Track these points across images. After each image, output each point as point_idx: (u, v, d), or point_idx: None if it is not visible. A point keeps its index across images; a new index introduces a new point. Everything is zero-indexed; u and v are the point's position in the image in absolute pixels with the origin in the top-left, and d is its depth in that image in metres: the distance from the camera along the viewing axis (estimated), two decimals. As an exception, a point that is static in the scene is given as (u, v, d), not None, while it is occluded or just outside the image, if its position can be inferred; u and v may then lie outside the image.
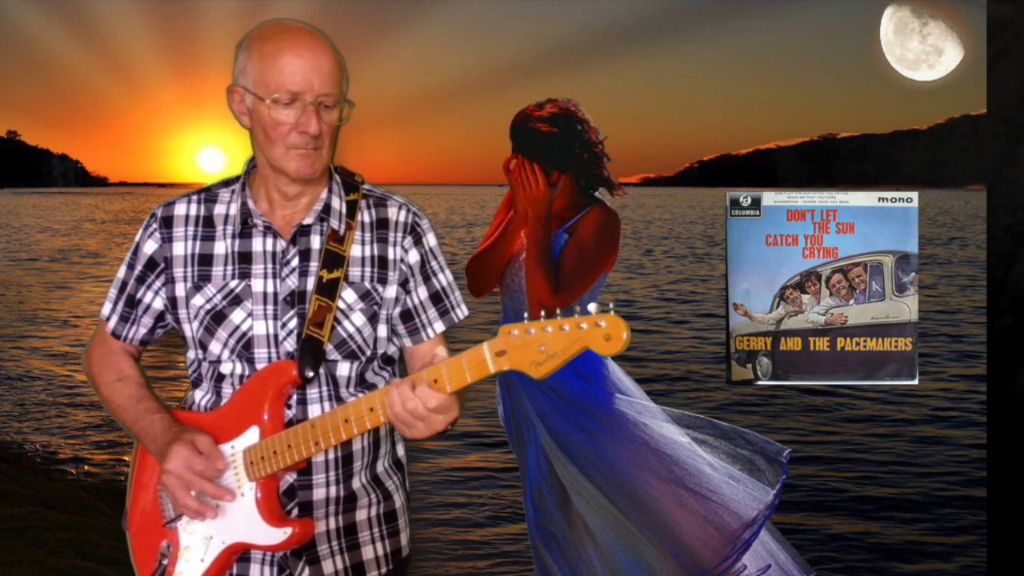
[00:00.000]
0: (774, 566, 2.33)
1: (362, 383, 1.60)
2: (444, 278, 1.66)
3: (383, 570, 1.64)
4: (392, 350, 1.65)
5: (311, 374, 1.52)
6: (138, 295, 1.62)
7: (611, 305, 1.26)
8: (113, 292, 1.65)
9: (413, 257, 1.62)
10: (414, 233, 1.63)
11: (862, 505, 5.12)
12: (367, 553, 1.62)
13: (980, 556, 4.38)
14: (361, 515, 1.62)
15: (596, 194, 2.58)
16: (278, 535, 1.50)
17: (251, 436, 1.52)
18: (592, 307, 1.25)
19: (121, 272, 1.64)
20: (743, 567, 2.25)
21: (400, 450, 1.71)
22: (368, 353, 1.59)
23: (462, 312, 1.68)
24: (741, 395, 7.46)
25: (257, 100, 1.50)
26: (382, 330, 1.60)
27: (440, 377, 1.37)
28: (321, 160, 1.54)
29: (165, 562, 1.58)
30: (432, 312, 1.64)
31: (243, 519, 1.51)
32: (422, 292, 1.63)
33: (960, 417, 6.99)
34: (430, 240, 1.65)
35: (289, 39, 1.50)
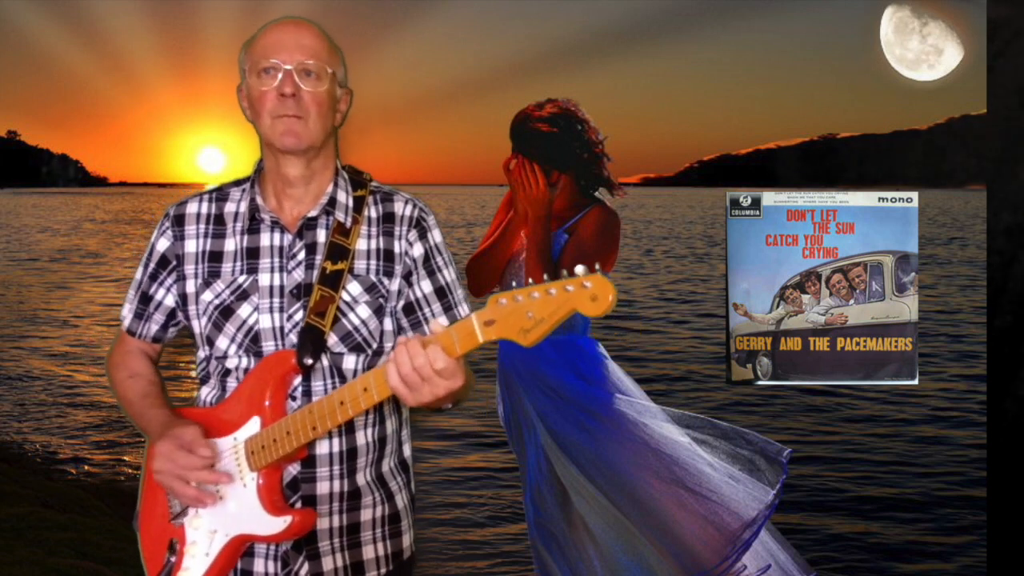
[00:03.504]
0: (774, 566, 2.33)
1: None
2: (448, 275, 1.67)
3: (383, 571, 1.64)
4: None
5: (310, 361, 1.52)
6: (151, 292, 1.66)
7: (597, 266, 1.25)
8: (131, 292, 1.69)
9: (417, 250, 1.63)
10: (419, 227, 1.64)
11: (862, 505, 5.13)
12: (368, 553, 1.62)
13: (980, 556, 4.38)
14: (365, 515, 1.62)
15: (596, 194, 2.58)
16: (278, 524, 1.50)
17: (253, 426, 1.52)
18: (579, 269, 1.25)
19: (138, 272, 1.68)
20: (743, 567, 2.25)
21: (406, 451, 1.71)
22: (375, 346, 1.60)
23: (464, 310, 1.68)
24: (741, 395, 7.46)
25: (248, 83, 1.57)
26: (388, 323, 1.61)
27: (437, 342, 1.36)
28: (307, 131, 1.55)
29: (173, 559, 1.58)
30: (436, 306, 1.65)
31: (245, 510, 1.52)
32: (426, 286, 1.64)
33: (960, 417, 6.99)
34: (435, 236, 1.66)
35: (276, 22, 1.59)
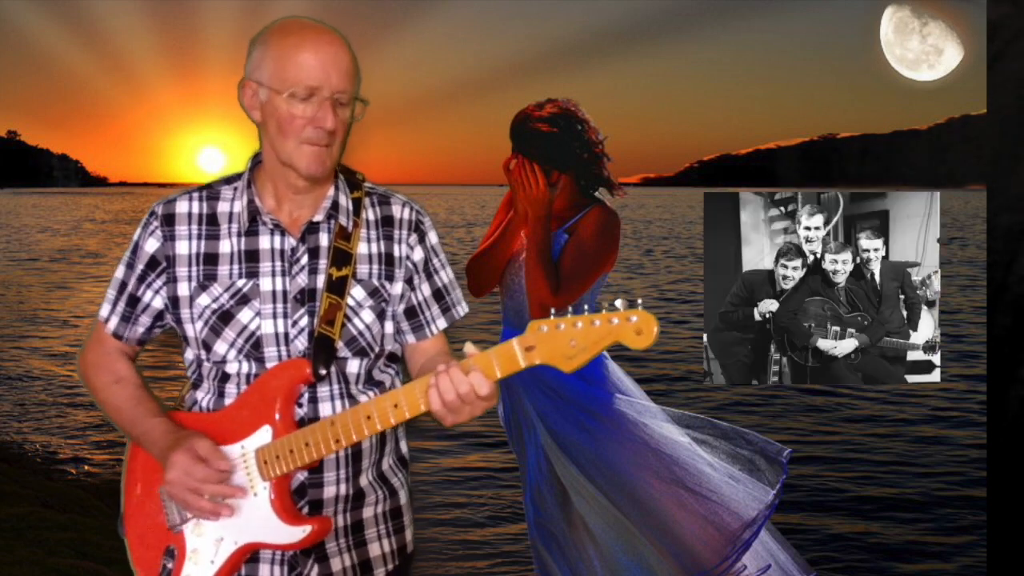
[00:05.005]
0: (774, 566, 2.33)
1: (370, 380, 1.60)
2: (446, 275, 1.68)
3: (389, 567, 1.64)
4: (396, 348, 1.66)
5: (324, 372, 1.52)
6: (138, 294, 1.61)
7: (640, 301, 1.29)
8: (112, 293, 1.63)
9: (418, 255, 1.63)
10: (418, 231, 1.64)
11: (862, 505, 5.12)
12: (374, 550, 1.62)
13: (980, 556, 4.38)
14: (368, 512, 1.62)
15: (596, 194, 2.58)
16: (296, 534, 1.49)
17: (263, 435, 1.50)
18: (619, 303, 1.29)
19: (120, 272, 1.62)
20: (743, 567, 2.25)
21: (404, 447, 1.71)
22: (376, 350, 1.60)
23: (462, 309, 1.70)
24: (741, 395, 7.46)
25: (273, 93, 1.50)
26: (388, 327, 1.61)
27: (477, 367, 1.38)
28: (332, 158, 1.54)
29: (170, 566, 1.56)
30: (435, 309, 1.66)
31: (258, 519, 1.50)
32: (425, 289, 1.65)
33: (960, 417, 6.99)
34: (432, 238, 1.67)
35: (310, 35, 1.50)
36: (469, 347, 1.39)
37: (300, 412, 1.53)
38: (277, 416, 1.50)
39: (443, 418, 1.41)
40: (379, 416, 1.44)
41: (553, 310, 1.34)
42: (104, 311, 1.64)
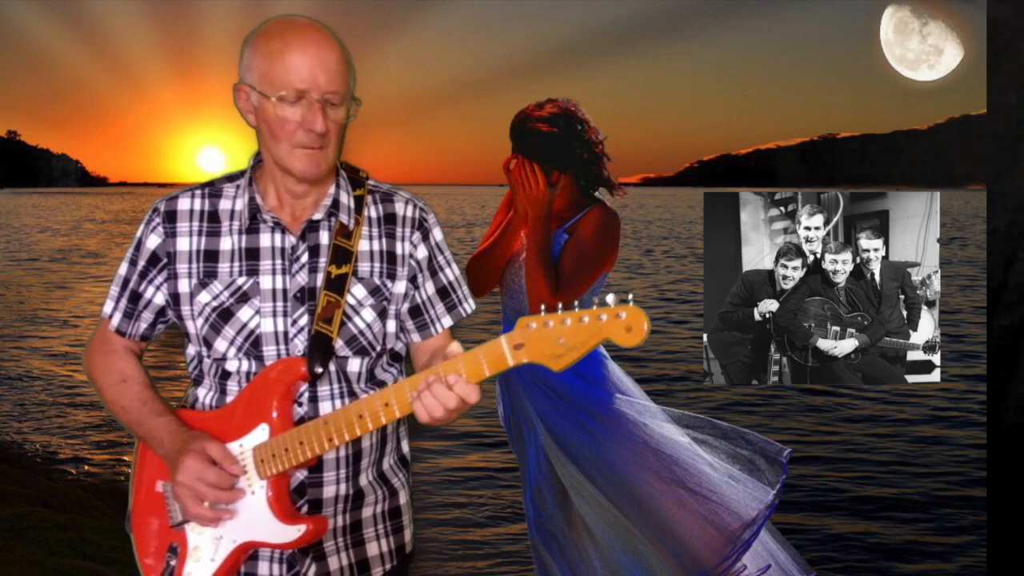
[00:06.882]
0: (774, 566, 2.33)
1: (372, 379, 1.60)
2: (451, 272, 1.66)
3: (387, 566, 1.65)
4: (399, 346, 1.65)
5: (320, 370, 1.51)
6: (140, 290, 1.61)
7: (630, 296, 1.26)
8: (115, 289, 1.63)
9: (421, 252, 1.62)
10: (422, 228, 1.63)
11: (862, 505, 5.12)
12: (372, 549, 1.63)
13: (980, 556, 4.38)
14: (367, 512, 1.62)
15: (596, 194, 2.58)
16: (292, 533, 1.49)
17: (260, 434, 1.50)
18: (610, 298, 1.25)
19: (123, 269, 1.62)
20: (743, 567, 2.25)
21: (405, 446, 1.71)
22: (378, 349, 1.59)
23: (469, 306, 1.69)
24: (741, 395, 7.46)
25: (262, 98, 1.49)
26: (391, 326, 1.60)
27: (460, 371, 1.38)
28: (327, 159, 1.52)
29: (173, 563, 1.57)
30: (440, 307, 1.65)
31: (255, 518, 1.50)
32: (430, 287, 1.63)
33: (960, 417, 6.99)
34: (437, 235, 1.65)
35: (295, 35, 1.48)
36: (456, 346, 1.36)
37: (300, 411, 1.53)
38: (274, 414, 1.50)
39: (429, 424, 1.42)
40: (370, 415, 1.43)
41: (543, 307, 1.32)
42: (107, 308, 1.64)
